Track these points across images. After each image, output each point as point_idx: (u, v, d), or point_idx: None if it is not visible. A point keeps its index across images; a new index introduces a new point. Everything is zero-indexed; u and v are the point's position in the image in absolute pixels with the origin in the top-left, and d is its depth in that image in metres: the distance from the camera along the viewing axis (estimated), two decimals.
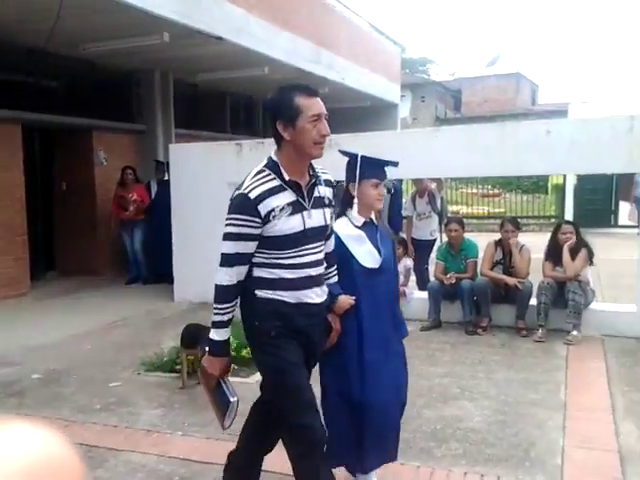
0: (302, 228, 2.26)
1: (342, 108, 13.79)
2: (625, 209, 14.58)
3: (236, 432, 2.74)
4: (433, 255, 6.95)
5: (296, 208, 2.24)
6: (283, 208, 2.21)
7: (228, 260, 2.25)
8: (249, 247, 2.24)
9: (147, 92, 10.09)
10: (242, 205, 2.21)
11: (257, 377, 4.68)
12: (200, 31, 7.57)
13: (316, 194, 2.33)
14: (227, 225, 2.25)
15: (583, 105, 17.08)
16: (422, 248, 7.12)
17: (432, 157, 6.03)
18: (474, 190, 17.81)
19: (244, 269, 2.27)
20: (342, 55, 11.34)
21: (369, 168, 2.68)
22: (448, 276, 6.00)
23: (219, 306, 2.28)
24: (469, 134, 6.16)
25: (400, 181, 13.56)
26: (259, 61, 9.19)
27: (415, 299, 6.39)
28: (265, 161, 2.31)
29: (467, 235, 6.51)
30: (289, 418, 2.34)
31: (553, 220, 13.69)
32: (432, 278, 6.44)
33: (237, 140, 7.61)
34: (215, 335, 2.32)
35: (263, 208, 2.19)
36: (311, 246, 2.30)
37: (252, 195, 2.19)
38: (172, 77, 10.24)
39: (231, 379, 4.49)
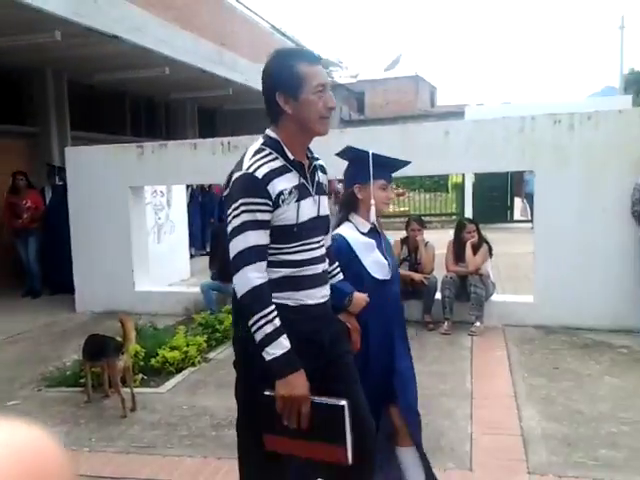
0: (315, 215, 1.97)
1: (247, 110, 13.69)
2: (519, 205, 15.49)
3: (151, 444, 2.63)
4: None
5: (303, 193, 1.92)
6: (291, 192, 1.88)
7: (249, 256, 1.83)
8: (267, 238, 1.86)
9: (39, 93, 9.54)
10: (251, 186, 1.84)
11: (169, 386, 4.56)
12: (94, 29, 7.25)
13: (317, 179, 2.04)
14: (237, 215, 1.83)
15: (478, 107, 17.95)
16: None
17: (339, 159, 6.09)
18: None
19: (265, 267, 1.87)
20: (245, 56, 11.27)
21: (378, 168, 2.41)
22: None
23: (262, 313, 1.81)
24: (373, 135, 6.29)
25: None
26: (159, 61, 8.94)
27: None
28: (261, 139, 1.97)
29: None
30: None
31: (454, 217, 14.30)
32: None
33: (139, 142, 7.36)
34: (275, 350, 1.80)
35: (272, 190, 1.84)
36: (317, 239, 1.99)
37: (259, 174, 1.84)
38: (67, 77, 9.74)
39: (140, 390, 4.39)
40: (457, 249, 6.00)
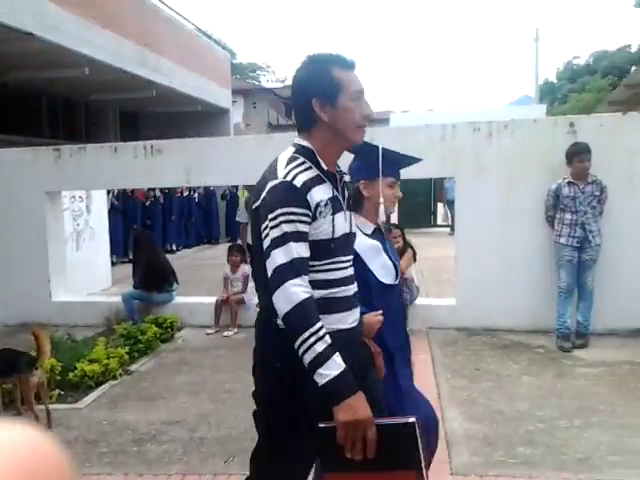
0: (347, 231, 1.84)
1: (172, 112, 13.42)
2: (442, 210, 15.97)
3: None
4: None
5: (336, 206, 1.79)
6: (327, 204, 1.74)
7: (292, 269, 1.65)
8: (308, 250, 1.70)
9: None
10: (291, 195, 1.68)
11: (88, 401, 4.37)
12: (6, 25, 6.88)
13: (346, 193, 1.90)
14: (276, 225, 1.67)
15: (403, 114, 18.36)
16: None
17: (266, 163, 6.04)
18: None
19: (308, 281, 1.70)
20: (169, 58, 11.03)
21: (387, 163, 2.24)
22: None
23: (312, 330, 1.61)
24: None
25: (236, 187, 13.60)
26: (78, 61, 8.59)
27: (254, 305, 6.38)
28: (292, 147, 1.83)
29: None
30: None
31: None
32: None
33: (56, 145, 7.03)
34: (330, 370, 1.59)
35: (311, 200, 1.71)
36: (348, 257, 1.85)
37: (297, 182, 1.70)
38: None
39: (57, 406, 4.17)
40: None
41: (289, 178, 1.71)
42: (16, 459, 0.43)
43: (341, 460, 1.61)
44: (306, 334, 1.60)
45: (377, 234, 2.29)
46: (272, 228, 1.68)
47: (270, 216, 1.68)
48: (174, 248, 12.45)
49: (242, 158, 6.15)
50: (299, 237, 1.68)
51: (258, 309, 1.91)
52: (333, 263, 1.77)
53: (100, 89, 10.84)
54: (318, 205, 1.71)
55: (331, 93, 1.77)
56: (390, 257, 2.30)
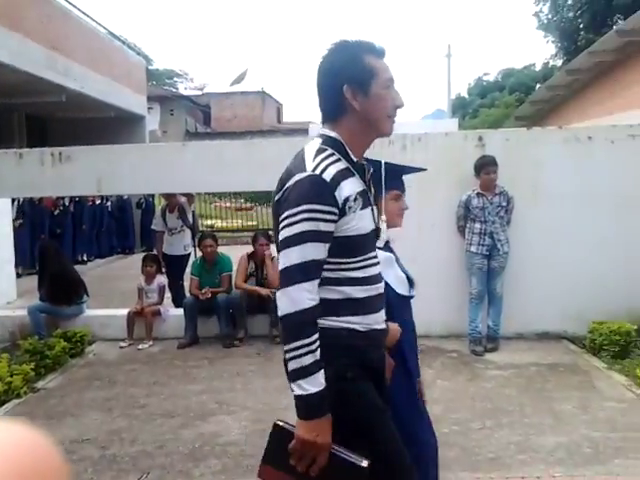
0: (373, 227, 1.75)
1: (84, 118, 12.92)
2: None
3: None
4: (188, 270, 6.85)
5: (365, 200, 1.70)
6: (356, 198, 1.65)
7: (304, 271, 1.58)
8: (325, 252, 1.62)
9: None
10: (318, 190, 1.59)
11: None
12: None
13: (372, 186, 1.82)
14: (295, 222, 1.58)
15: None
16: (176, 264, 6.95)
17: (181, 171, 5.96)
18: (228, 204, 18.14)
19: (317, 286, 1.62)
20: (80, 62, 10.61)
21: (390, 177, 2.14)
22: (203, 291, 5.99)
23: (306, 341, 1.55)
24: (218, 149, 6.22)
25: (152, 195, 13.25)
26: None
27: (171, 317, 6.23)
28: (319, 138, 1.73)
29: (222, 249, 6.57)
30: None
31: None
32: (187, 294, 6.35)
33: None
34: (310, 386, 1.55)
35: (339, 195, 1.61)
36: (375, 254, 1.76)
37: (327, 176, 1.60)
38: None
39: None
40: None
41: (318, 171, 1.61)
42: (12, 459, 0.42)
43: (284, 460, 1.62)
44: (298, 343, 1.56)
45: (387, 247, 2.23)
46: (291, 225, 1.59)
47: (292, 211, 1.59)
48: (85, 259, 11.93)
49: (157, 166, 6.00)
50: (318, 237, 1.59)
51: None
52: (365, 260, 1.70)
53: (4, 93, 10.25)
54: (347, 200, 1.62)
55: (364, 80, 1.68)
56: (402, 269, 2.27)
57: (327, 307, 1.63)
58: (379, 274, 1.77)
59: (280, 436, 1.65)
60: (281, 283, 1.60)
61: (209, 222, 15.96)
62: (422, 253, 5.86)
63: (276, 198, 1.69)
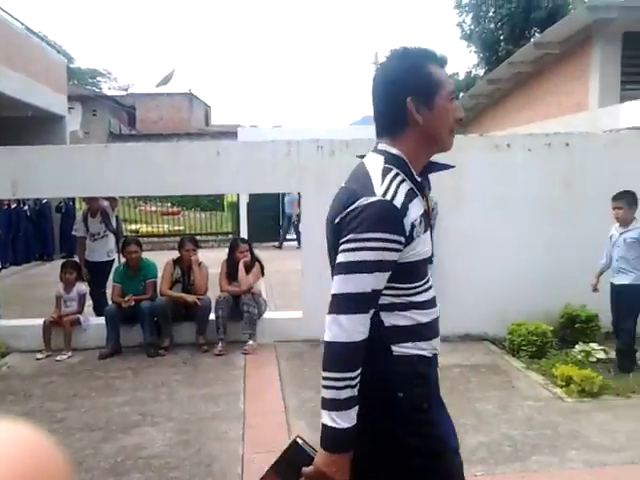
0: (431, 249, 1.67)
1: None
2: None
3: None
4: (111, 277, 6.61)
5: (426, 223, 1.61)
6: (420, 221, 1.56)
7: (362, 301, 1.50)
8: (384, 282, 1.54)
9: None
10: (388, 218, 1.49)
11: None
12: None
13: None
14: (359, 248, 1.49)
15: (251, 129, 18.47)
16: (98, 270, 6.68)
17: (104, 174, 5.75)
18: (154, 208, 17.70)
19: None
20: None
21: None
22: (126, 299, 5.79)
23: (348, 375, 1.48)
24: (143, 152, 6.05)
25: (72, 200, 12.72)
26: None
27: (92, 326, 5.98)
28: (378, 155, 1.61)
29: (147, 254, 6.39)
30: None
31: (230, 236, 14.46)
32: (110, 302, 6.12)
33: None
34: (341, 420, 1.48)
35: (407, 222, 1.52)
36: (429, 275, 1.69)
37: (397, 202, 1.50)
38: None
39: None
40: (230, 269, 6.04)
41: (389, 197, 1.50)
42: (16, 459, 0.42)
43: (294, 477, 1.57)
44: (339, 375, 1.48)
45: None
46: (355, 250, 1.49)
47: (358, 236, 1.49)
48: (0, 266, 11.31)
49: (78, 169, 5.77)
50: (381, 267, 1.50)
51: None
52: (425, 283, 1.64)
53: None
54: (413, 226, 1.54)
55: (429, 92, 1.58)
56: None
57: (400, 334, 1.58)
58: (435, 296, 1.71)
59: (296, 454, 1.59)
60: (333, 308, 1.51)
61: (134, 227, 15.50)
62: None
63: (337, 220, 1.57)
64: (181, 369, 5.24)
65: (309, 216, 6.03)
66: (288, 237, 14.55)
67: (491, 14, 22.93)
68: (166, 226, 16.34)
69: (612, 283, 4.93)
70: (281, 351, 5.67)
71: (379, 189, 1.50)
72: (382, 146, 1.62)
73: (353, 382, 1.49)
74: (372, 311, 1.52)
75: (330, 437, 1.49)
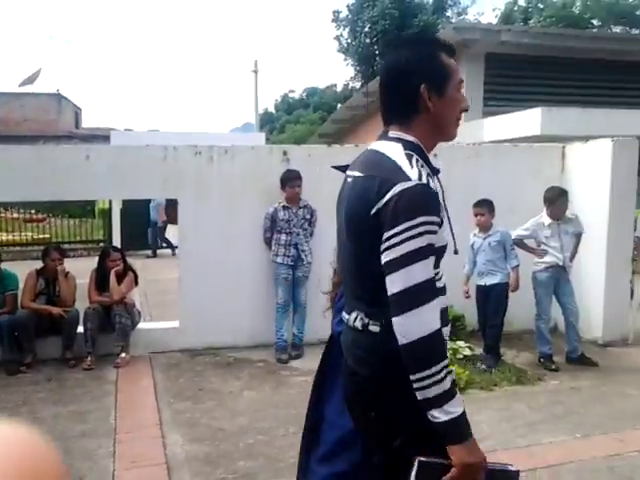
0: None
1: None
2: (171, 231, 15.74)
3: None
4: None
5: (445, 208, 1.63)
6: (445, 207, 1.59)
7: (432, 288, 1.46)
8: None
9: None
10: (430, 201, 1.48)
11: None
12: None
13: None
14: (414, 236, 1.43)
15: (126, 132, 17.72)
16: None
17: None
18: (15, 215, 16.42)
19: None
20: None
21: None
22: None
23: (443, 364, 1.44)
24: (4, 154, 5.61)
25: None
26: None
27: None
28: (394, 142, 1.57)
29: (7, 264, 5.91)
30: None
31: (101, 244, 13.76)
32: None
33: None
34: (455, 408, 1.43)
35: (441, 206, 1.55)
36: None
37: (432, 186, 1.49)
38: None
39: None
40: (101, 278, 5.74)
41: (424, 180, 1.48)
42: (13, 459, 0.42)
43: None
44: (438, 367, 1.42)
45: None
46: (408, 239, 1.43)
47: (410, 224, 1.43)
48: None
49: None
50: (433, 252, 1.49)
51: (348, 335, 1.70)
52: (439, 270, 1.61)
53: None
54: (441, 210, 1.55)
55: (441, 80, 1.59)
56: None
57: None
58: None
59: (428, 472, 1.50)
60: (405, 305, 1.44)
61: None
62: (229, 264, 5.86)
63: (373, 211, 1.50)
64: (45, 387, 4.88)
65: (187, 223, 5.89)
66: (163, 245, 14.07)
67: (367, 29, 23.88)
68: (29, 234, 15.22)
69: (479, 285, 5.29)
70: (156, 362, 5.47)
71: (413, 174, 1.49)
72: (395, 133, 1.62)
73: (449, 368, 1.47)
74: (438, 298, 1.50)
75: (455, 429, 1.46)
